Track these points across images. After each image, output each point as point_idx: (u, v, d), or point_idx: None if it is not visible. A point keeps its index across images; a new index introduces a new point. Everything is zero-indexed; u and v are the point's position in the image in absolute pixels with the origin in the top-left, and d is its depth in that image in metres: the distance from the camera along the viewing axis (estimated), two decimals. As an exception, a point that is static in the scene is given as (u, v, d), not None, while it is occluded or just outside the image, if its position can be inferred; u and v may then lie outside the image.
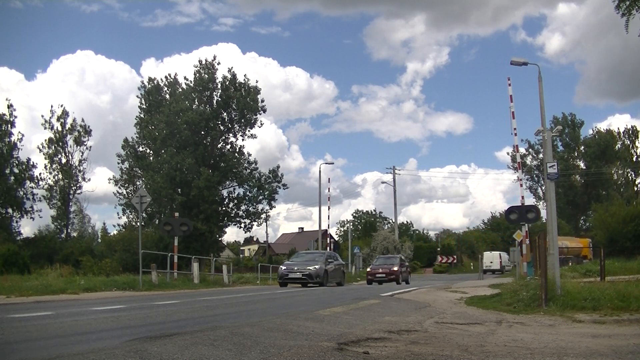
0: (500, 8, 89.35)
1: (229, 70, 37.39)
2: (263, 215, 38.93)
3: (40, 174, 39.68)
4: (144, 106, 38.36)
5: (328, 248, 37.64)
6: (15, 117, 38.85)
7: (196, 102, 37.27)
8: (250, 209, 38.23)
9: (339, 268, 22.08)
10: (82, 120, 42.19)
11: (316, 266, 19.85)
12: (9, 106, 38.60)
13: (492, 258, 42.59)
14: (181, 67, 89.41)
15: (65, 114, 41.31)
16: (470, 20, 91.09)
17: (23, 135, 39.16)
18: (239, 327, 5.87)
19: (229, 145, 38.22)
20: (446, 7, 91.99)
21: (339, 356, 4.78)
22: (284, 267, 20.83)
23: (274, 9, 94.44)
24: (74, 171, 41.36)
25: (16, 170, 38.65)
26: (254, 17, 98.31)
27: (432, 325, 7.47)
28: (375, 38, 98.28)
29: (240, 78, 37.36)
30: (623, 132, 59.86)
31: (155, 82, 38.74)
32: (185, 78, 37.65)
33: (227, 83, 37.05)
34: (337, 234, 65.06)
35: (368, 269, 27.57)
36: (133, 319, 7.50)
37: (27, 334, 5.78)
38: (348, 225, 61.79)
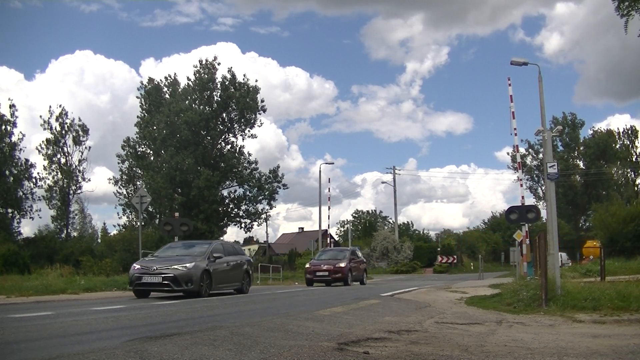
0: (498, 7, 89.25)
1: (229, 70, 37.47)
2: (263, 215, 38.98)
3: (38, 173, 39.74)
4: (144, 106, 38.39)
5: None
6: (17, 117, 38.91)
7: (196, 102, 37.31)
8: (250, 209, 38.29)
9: (239, 266, 14.39)
10: (80, 120, 42.21)
11: (188, 265, 12.22)
12: (11, 106, 38.66)
13: None
14: (181, 67, 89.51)
15: (63, 114, 41.31)
16: (469, 20, 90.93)
17: (24, 135, 39.21)
18: (239, 327, 5.87)
19: (229, 145, 38.29)
20: (444, 7, 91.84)
21: (339, 356, 4.78)
22: (137, 267, 12.68)
23: (272, 9, 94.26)
24: (73, 171, 41.33)
25: (15, 171, 38.65)
26: (252, 17, 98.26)
27: (432, 325, 7.47)
28: (374, 38, 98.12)
29: (240, 78, 37.43)
30: (622, 132, 60.07)
31: (154, 82, 38.80)
32: (188, 78, 37.74)
33: (227, 83, 37.08)
34: (337, 234, 64.99)
35: (307, 265, 21.78)
36: (133, 319, 7.50)
37: (27, 334, 5.78)
38: (348, 225, 61.75)
